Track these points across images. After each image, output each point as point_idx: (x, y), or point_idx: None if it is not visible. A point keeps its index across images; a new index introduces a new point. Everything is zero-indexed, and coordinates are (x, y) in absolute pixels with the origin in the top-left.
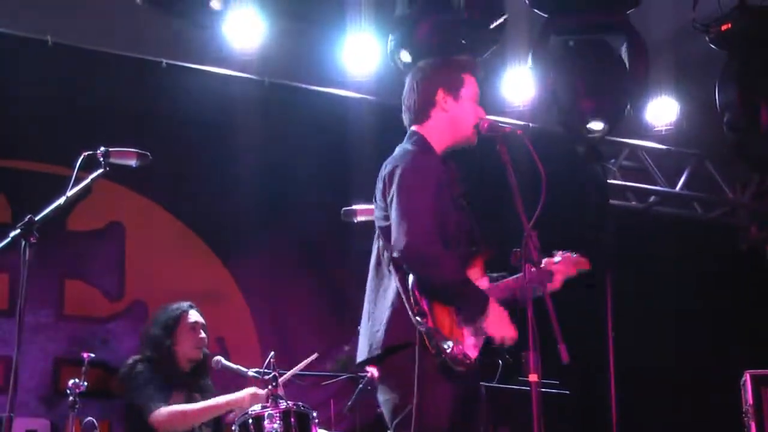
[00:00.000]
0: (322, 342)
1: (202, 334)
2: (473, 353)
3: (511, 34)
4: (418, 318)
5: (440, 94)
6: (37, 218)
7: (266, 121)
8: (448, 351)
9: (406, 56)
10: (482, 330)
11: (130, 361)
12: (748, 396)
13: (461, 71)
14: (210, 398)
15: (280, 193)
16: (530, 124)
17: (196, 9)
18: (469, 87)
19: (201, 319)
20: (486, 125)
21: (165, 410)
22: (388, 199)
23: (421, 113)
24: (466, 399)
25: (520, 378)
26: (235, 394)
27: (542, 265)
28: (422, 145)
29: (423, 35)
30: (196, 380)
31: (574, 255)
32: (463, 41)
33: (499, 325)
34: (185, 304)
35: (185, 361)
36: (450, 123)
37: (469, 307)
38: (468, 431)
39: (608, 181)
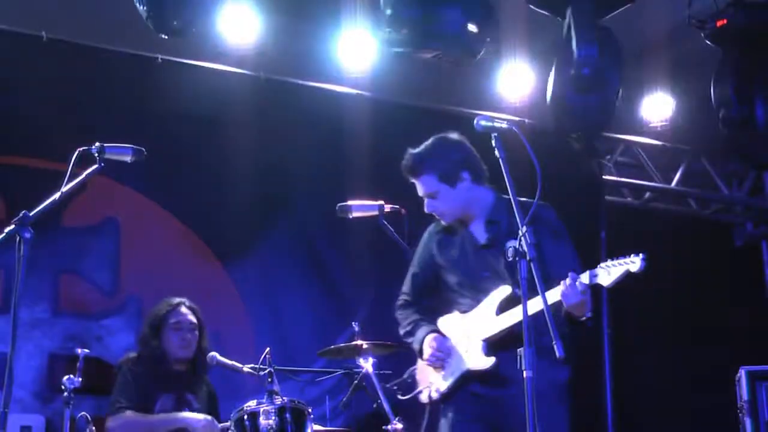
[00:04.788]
0: (316, 337)
1: (187, 335)
2: (441, 388)
3: (507, 30)
4: None
5: None
6: (31, 214)
7: (262, 117)
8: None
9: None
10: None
11: (124, 358)
12: (744, 392)
13: None
14: (202, 398)
15: (275, 189)
16: (526, 120)
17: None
18: None
19: (190, 318)
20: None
21: (120, 418)
22: None
23: None
24: (456, 422)
25: None
26: (192, 414)
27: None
28: None
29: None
30: (190, 380)
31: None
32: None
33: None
34: (175, 301)
35: (174, 361)
36: None
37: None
38: None
39: (603, 177)
